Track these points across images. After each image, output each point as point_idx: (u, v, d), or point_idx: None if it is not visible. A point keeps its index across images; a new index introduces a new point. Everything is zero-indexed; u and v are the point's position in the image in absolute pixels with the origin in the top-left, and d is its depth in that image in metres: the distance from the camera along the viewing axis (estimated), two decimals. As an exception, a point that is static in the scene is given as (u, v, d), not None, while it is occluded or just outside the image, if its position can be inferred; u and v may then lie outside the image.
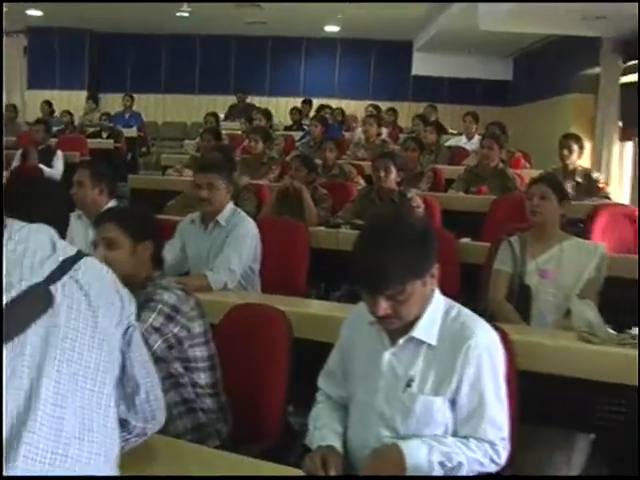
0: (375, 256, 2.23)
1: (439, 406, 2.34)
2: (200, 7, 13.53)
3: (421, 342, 2.37)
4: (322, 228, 5.65)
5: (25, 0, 12.98)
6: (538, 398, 3.02)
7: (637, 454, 3.09)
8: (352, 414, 2.52)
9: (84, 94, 15.71)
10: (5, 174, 7.75)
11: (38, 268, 1.71)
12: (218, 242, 4.39)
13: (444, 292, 2.48)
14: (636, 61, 10.31)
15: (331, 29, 15.81)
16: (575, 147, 6.77)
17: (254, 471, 2.19)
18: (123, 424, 1.94)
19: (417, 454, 2.27)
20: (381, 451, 2.32)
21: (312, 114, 12.95)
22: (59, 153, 9.25)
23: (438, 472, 2.28)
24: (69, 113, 13.52)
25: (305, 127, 11.93)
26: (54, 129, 11.60)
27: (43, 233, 1.82)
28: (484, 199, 6.47)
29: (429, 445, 2.29)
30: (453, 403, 2.35)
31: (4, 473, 1.52)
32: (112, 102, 15.39)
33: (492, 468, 2.37)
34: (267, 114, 10.25)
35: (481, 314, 2.47)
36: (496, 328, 2.54)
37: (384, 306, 2.25)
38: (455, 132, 11.70)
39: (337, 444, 2.42)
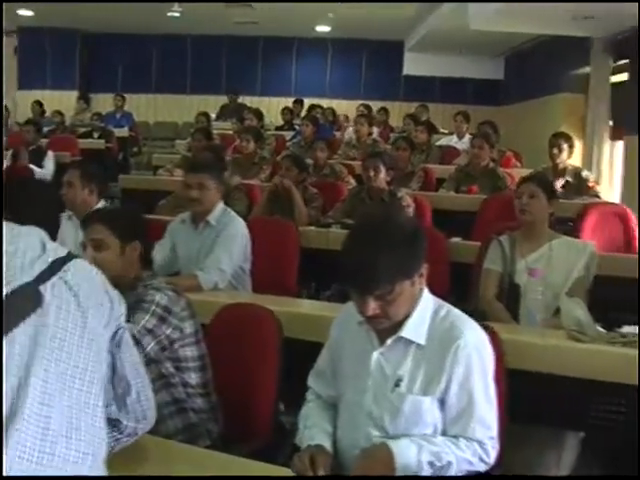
0: (364, 256, 2.23)
1: (428, 406, 2.34)
2: (191, 7, 13.53)
3: (410, 342, 2.37)
4: (312, 228, 5.66)
5: (17, 0, 12.95)
6: (527, 397, 3.03)
7: (630, 452, 3.11)
8: (341, 414, 2.52)
9: (75, 94, 15.68)
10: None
11: (28, 268, 1.71)
12: (208, 242, 4.38)
13: (434, 291, 2.48)
14: (626, 60, 10.35)
15: (322, 29, 15.82)
16: (565, 146, 6.79)
17: (244, 471, 2.19)
18: (114, 424, 1.95)
19: (406, 454, 2.27)
20: (370, 451, 2.32)
21: (303, 114, 12.96)
22: (50, 153, 9.21)
23: (427, 472, 2.28)
24: (60, 113, 13.48)
25: (296, 127, 11.94)
26: (45, 129, 11.54)
27: (33, 234, 1.82)
28: (475, 198, 6.48)
29: (418, 445, 2.29)
30: (442, 403, 2.36)
31: None
32: (103, 102, 15.34)
33: (481, 467, 2.37)
34: (258, 114, 10.25)
35: (471, 314, 2.48)
36: (485, 327, 2.54)
37: (373, 306, 2.24)
38: (446, 131, 11.74)
39: (326, 443, 2.42)
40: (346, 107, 14.77)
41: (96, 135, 12.10)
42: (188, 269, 4.36)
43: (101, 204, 4.57)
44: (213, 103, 14.88)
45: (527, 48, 14.03)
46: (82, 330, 1.73)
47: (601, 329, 3.39)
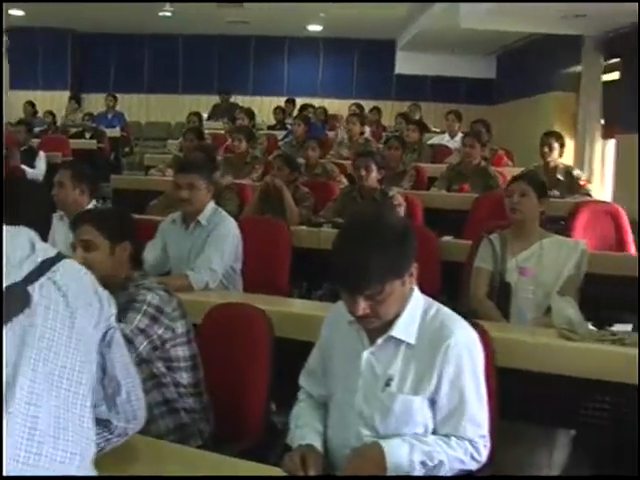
0: (354, 256, 2.22)
1: (418, 405, 2.34)
2: (182, 7, 13.53)
3: (400, 341, 2.37)
4: (304, 227, 5.66)
5: (8, 0, 12.91)
6: (518, 395, 3.04)
7: (620, 450, 3.12)
8: (332, 413, 2.52)
9: (67, 94, 15.62)
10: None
11: (17, 268, 1.71)
12: (199, 242, 4.38)
13: (425, 290, 2.48)
14: (617, 59, 10.38)
15: (314, 28, 15.84)
16: (556, 145, 6.79)
17: (235, 471, 2.19)
18: (104, 424, 1.96)
19: (398, 453, 2.27)
20: (361, 450, 2.32)
21: (295, 113, 12.96)
22: (41, 154, 9.20)
23: (419, 471, 2.28)
24: (51, 113, 13.48)
25: (288, 126, 11.94)
26: (37, 129, 11.55)
27: (23, 235, 1.83)
28: (466, 197, 6.49)
29: (410, 444, 2.29)
30: (432, 402, 2.35)
31: None
32: (95, 102, 15.33)
33: (473, 465, 2.37)
34: (250, 113, 10.26)
35: (464, 315, 2.48)
36: (475, 325, 2.54)
37: (363, 306, 2.24)
38: (438, 130, 11.75)
39: (317, 443, 2.42)
40: (338, 106, 14.77)
41: (88, 135, 12.09)
42: (179, 269, 4.36)
43: (92, 204, 4.57)
44: (205, 103, 14.87)
45: (519, 47, 14.06)
46: (70, 330, 1.73)
47: (592, 327, 3.39)
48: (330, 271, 2.30)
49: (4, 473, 1.55)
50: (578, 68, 11.31)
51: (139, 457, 2.20)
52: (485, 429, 2.39)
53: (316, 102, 14.49)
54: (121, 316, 2.73)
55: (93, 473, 1.78)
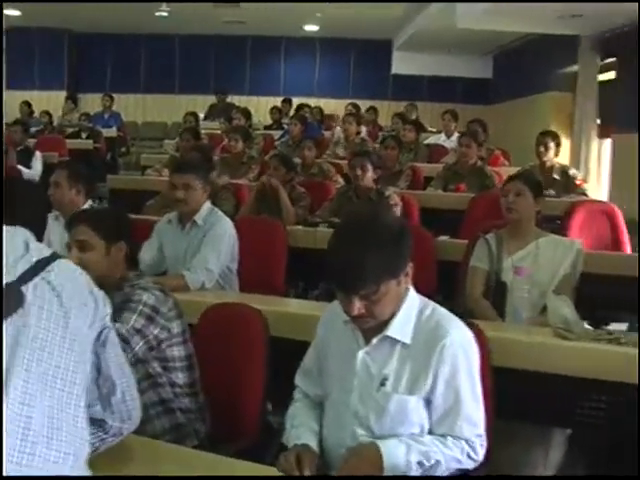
0: (349, 256, 2.22)
1: (413, 405, 2.34)
2: (179, 7, 13.52)
3: (395, 341, 2.37)
4: (300, 227, 5.66)
5: (5, 0, 12.91)
6: (514, 394, 3.04)
7: (616, 449, 3.13)
8: (327, 413, 2.52)
9: (63, 94, 15.61)
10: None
11: (11, 268, 1.71)
12: (195, 242, 4.38)
13: (421, 290, 2.48)
14: (613, 58, 10.39)
15: (310, 28, 15.84)
16: (552, 144, 6.78)
17: (231, 471, 2.19)
18: (99, 424, 1.95)
19: (395, 453, 2.27)
20: (359, 450, 2.32)
21: (292, 113, 12.96)
22: (38, 154, 9.18)
23: (416, 471, 2.28)
24: (48, 113, 13.45)
25: (285, 126, 11.93)
26: (33, 129, 11.52)
27: (18, 235, 1.83)
28: (462, 197, 6.49)
29: (407, 444, 2.29)
30: (428, 402, 2.35)
31: None
32: (91, 102, 15.32)
33: (470, 464, 2.38)
34: (246, 113, 10.28)
35: (460, 315, 2.48)
36: (471, 325, 2.55)
37: (358, 305, 2.24)
38: (434, 130, 11.74)
39: (313, 442, 2.42)
40: (335, 106, 14.79)
41: (84, 135, 12.09)
42: (175, 269, 4.35)
43: (88, 204, 4.57)
44: (202, 103, 14.87)
45: (515, 47, 14.07)
46: (64, 330, 1.73)
47: (588, 327, 3.40)
48: (325, 271, 2.30)
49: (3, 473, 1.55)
50: (574, 68, 11.32)
51: (135, 457, 2.19)
52: (481, 428, 2.39)
53: (313, 102, 14.50)
54: (117, 316, 2.73)
55: (87, 473, 1.78)
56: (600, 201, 6.96)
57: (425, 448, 2.30)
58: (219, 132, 10.97)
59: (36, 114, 13.73)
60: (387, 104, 15.69)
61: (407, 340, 2.36)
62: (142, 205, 6.20)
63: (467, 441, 2.35)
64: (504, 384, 2.78)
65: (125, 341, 2.70)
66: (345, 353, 2.44)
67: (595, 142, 10.81)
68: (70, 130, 12.61)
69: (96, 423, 1.93)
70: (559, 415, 3.33)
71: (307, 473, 2.26)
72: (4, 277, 1.69)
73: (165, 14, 14.11)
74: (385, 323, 2.36)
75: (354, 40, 16.40)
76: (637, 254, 4.91)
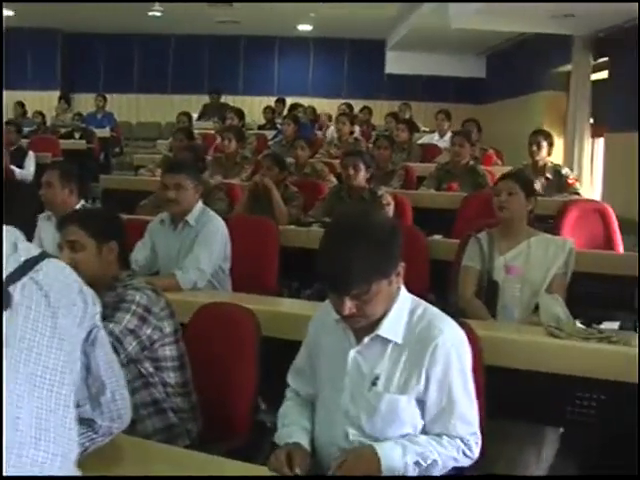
0: (340, 256, 2.22)
1: (405, 405, 2.34)
2: (172, 7, 13.52)
3: (387, 340, 2.37)
4: (293, 227, 5.67)
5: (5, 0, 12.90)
6: (506, 393, 3.04)
7: (608, 447, 3.13)
8: (318, 412, 2.52)
9: (56, 94, 15.57)
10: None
11: (-1, 268, 1.71)
12: (188, 242, 4.37)
13: (413, 289, 2.48)
14: (606, 58, 10.42)
15: (304, 28, 15.85)
16: (544, 143, 6.79)
17: (223, 470, 2.18)
18: (89, 424, 1.95)
19: (391, 455, 2.27)
20: (355, 451, 2.32)
21: (286, 113, 12.96)
22: (31, 154, 9.19)
23: (413, 472, 2.28)
24: (41, 114, 13.44)
25: (278, 126, 11.93)
26: (26, 130, 11.50)
27: (8, 235, 1.82)
28: (455, 196, 6.49)
29: (402, 446, 2.29)
30: (421, 402, 2.35)
31: None
32: (85, 102, 15.32)
33: (466, 462, 2.39)
34: (240, 113, 10.25)
35: (452, 315, 2.48)
36: (462, 324, 2.55)
37: (349, 305, 2.23)
38: (428, 129, 11.76)
39: (304, 441, 2.42)
40: (328, 106, 14.79)
41: (77, 135, 12.07)
42: (168, 269, 4.34)
43: (81, 204, 4.56)
44: (195, 103, 14.85)
45: (509, 46, 14.10)
46: (52, 331, 1.72)
47: (580, 325, 3.40)
48: (317, 270, 2.30)
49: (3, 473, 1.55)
50: (567, 67, 11.34)
51: (126, 457, 2.19)
52: (476, 426, 2.40)
53: (306, 102, 14.52)
54: (109, 316, 2.73)
55: (76, 473, 1.77)
56: (593, 200, 6.98)
57: (421, 449, 2.30)
58: (212, 132, 10.97)
59: (29, 114, 13.71)
60: (380, 104, 15.67)
61: (398, 340, 2.36)
62: (135, 205, 6.19)
63: (462, 439, 2.36)
64: (496, 383, 2.78)
65: (118, 341, 2.70)
66: (336, 352, 2.44)
67: (588, 141, 10.83)
68: (63, 130, 12.59)
69: (85, 423, 1.92)
70: (551, 413, 3.33)
71: (298, 471, 2.26)
72: None
73: (158, 14, 14.11)
74: (376, 322, 2.36)
75: (348, 40, 16.43)
76: (637, 254, 4.92)
